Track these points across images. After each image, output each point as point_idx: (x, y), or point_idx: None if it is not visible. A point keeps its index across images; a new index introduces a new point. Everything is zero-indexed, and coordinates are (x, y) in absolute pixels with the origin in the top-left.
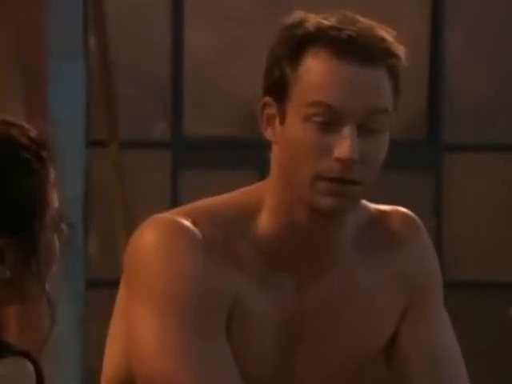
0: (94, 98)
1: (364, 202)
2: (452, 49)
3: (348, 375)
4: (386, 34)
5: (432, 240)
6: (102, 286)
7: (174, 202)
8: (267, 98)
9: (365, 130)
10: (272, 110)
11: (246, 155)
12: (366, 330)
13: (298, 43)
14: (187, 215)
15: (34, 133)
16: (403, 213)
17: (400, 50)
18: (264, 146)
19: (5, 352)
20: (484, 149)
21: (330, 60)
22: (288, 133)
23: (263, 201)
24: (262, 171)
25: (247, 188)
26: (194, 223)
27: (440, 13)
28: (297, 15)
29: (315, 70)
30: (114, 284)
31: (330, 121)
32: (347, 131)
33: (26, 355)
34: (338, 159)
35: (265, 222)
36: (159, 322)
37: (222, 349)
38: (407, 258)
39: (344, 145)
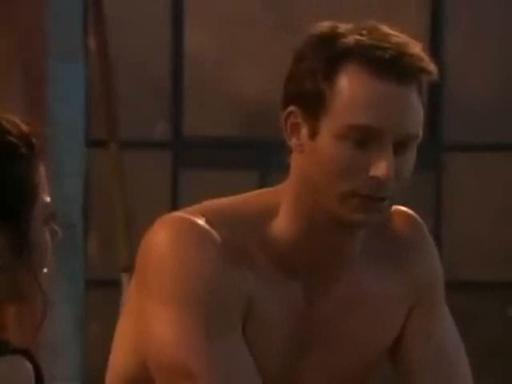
0: (94, 98)
1: None
2: (452, 49)
3: (355, 378)
4: (421, 49)
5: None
6: (102, 286)
7: (174, 202)
8: (293, 108)
9: (399, 147)
10: (298, 119)
11: (246, 155)
12: (373, 334)
13: (335, 58)
14: (201, 214)
15: (24, 127)
16: (405, 213)
17: (433, 67)
18: (263, 147)
19: (3, 351)
20: (484, 149)
21: (371, 80)
22: (320, 148)
23: (280, 204)
24: (262, 171)
25: (263, 190)
26: (208, 222)
27: (440, 13)
28: (326, 25)
29: (355, 90)
30: (113, 284)
31: (367, 139)
32: (385, 150)
33: (25, 354)
34: (374, 177)
35: (281, 226)
36: (173, 320)
37: (238, 345)
38: (412, 259)
39: (381, 164)
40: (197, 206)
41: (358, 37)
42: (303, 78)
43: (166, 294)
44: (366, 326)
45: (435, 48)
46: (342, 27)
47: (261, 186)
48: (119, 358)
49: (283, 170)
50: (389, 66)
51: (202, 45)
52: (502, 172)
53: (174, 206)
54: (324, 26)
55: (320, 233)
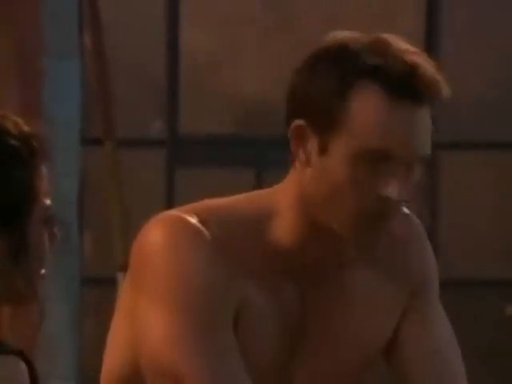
0: (90, 97)
1: None
2: (451, 49)
3: (349, 376)
4: (435, 68)
5: (429, 238)
6: (97, 284)
7: (170, 200)
8: (301, 122)
9: (409, 167)
10: (306, 133)
11: (242, 153)
12: (366, 332)
13: (348, 77)
14: (195, 213)
15: (27, 128)
16: (402, 212)
17: (447, 87)
18: (260, 145)
19: (0, 351)
20: (482, 147)
21: (386, 104)
22: (330, 166)
23: (278, 207)
24: (259, 169)
25: (259, 191)
26: (202, 221)
27: (438, 12)
28: (336, 38)
29: (370, 114)
30: (109, 282)
31: (381, 161)
32: (398, 173)
33: (20, 354)
34: (387, 199)
35: (281, 229)
36: (167, 319)
37: (230, 344)
38: (407, 257)
39: (394, 186)
40: (192, 205)
41: (372, 56)
42: (313, 93)
43: (159, 294)
44: (359, 324)
45: (432, 48)
46: (354, 42)
47: (257, 184)
48: (114, 357)
49: (280, 168)
50: (404, 89)
51: (201, 44)
52: (501, 171)
53: (170, 204)
54: (334, 39)
55: (322, 239)
